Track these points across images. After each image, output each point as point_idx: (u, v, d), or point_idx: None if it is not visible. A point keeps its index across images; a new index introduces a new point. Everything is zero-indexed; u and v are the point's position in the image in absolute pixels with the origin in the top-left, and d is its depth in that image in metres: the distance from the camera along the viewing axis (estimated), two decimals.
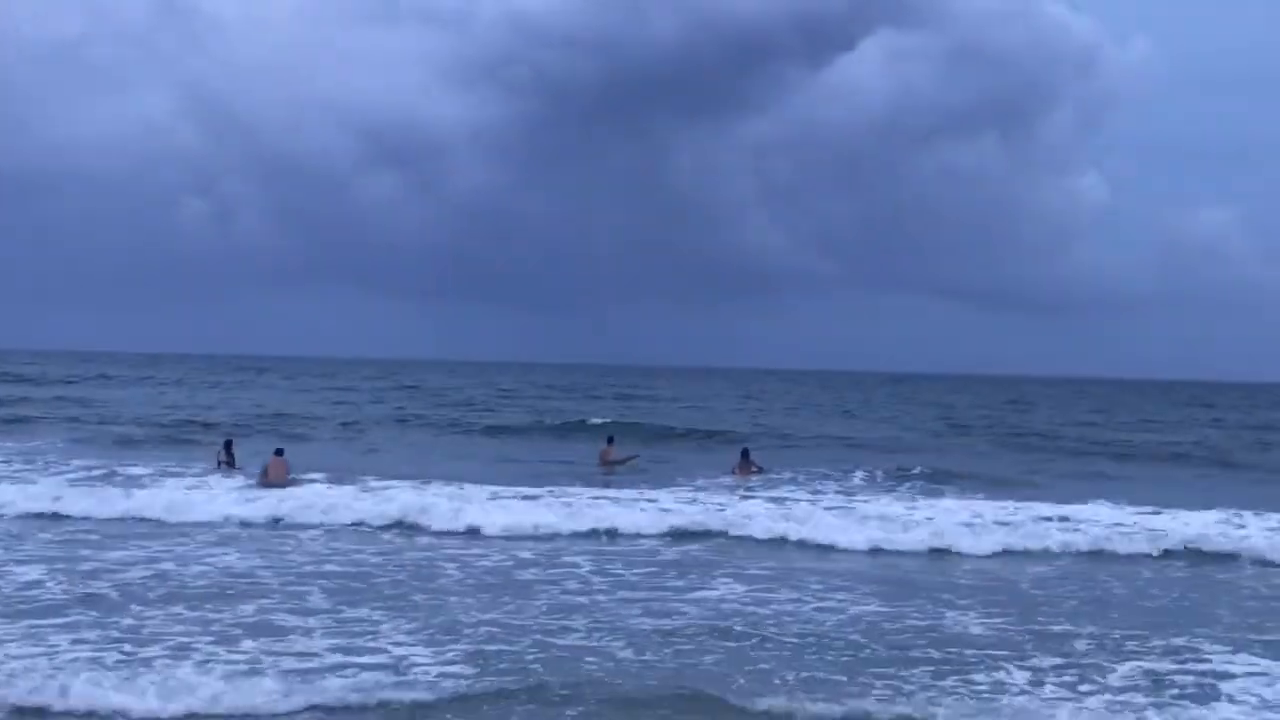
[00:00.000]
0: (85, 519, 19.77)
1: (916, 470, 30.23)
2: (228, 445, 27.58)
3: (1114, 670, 11.30)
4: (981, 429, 51.10)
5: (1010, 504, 23.12)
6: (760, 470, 28.36)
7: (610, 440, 31.30)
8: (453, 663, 11.09)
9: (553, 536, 19.00)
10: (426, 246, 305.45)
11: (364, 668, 10.82)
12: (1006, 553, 18.51)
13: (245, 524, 19.71)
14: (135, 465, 27.27)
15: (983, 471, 31.22)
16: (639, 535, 19.29)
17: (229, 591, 14.09)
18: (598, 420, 45.42)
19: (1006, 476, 30.68)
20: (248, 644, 11.47)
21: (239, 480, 25.03)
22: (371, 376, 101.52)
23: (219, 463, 26.86)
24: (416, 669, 10.88)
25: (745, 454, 29.01)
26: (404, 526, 19.74)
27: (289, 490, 23.14)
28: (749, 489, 25.71)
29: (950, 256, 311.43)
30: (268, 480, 24.14)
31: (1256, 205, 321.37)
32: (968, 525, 19.99)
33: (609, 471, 29.17)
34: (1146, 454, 40.21)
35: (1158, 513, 21.98)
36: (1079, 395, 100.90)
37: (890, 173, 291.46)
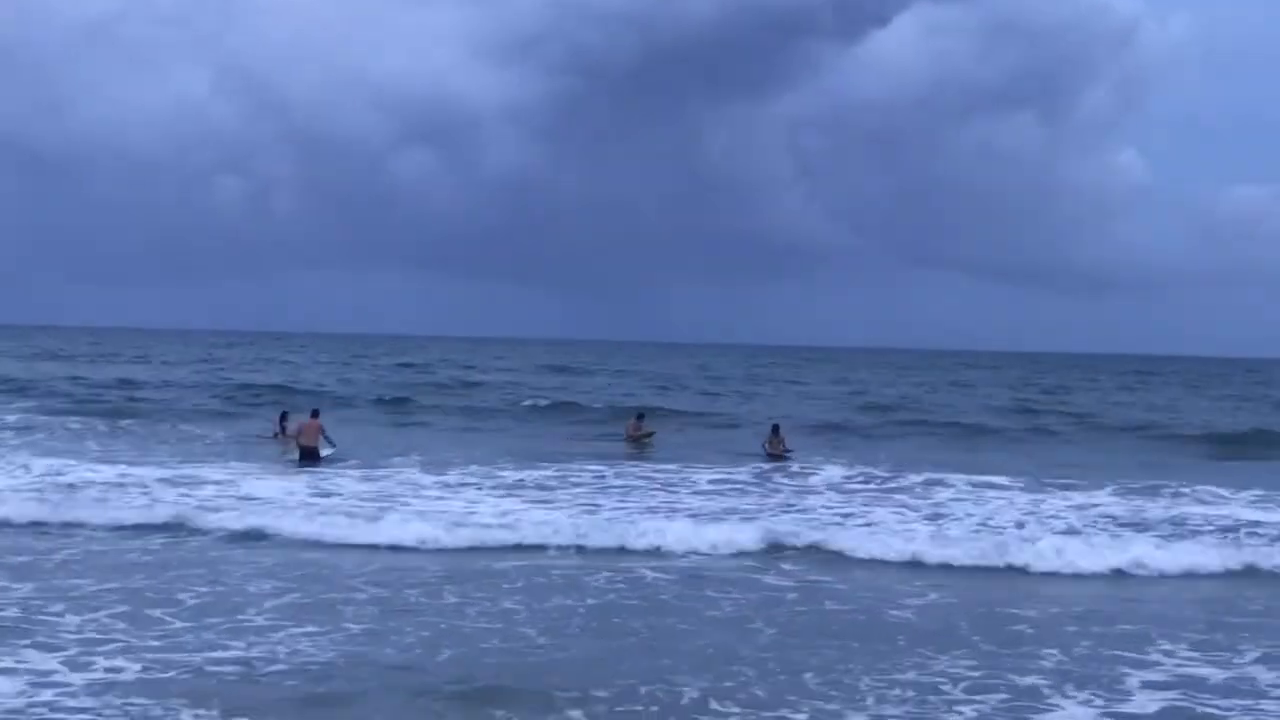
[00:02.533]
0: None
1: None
2: (283, 416, 28.46)
3: None
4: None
5: None
6: (789, 452, 27.91)
7: (640, 416, 31.32)
8: None
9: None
10: (460, 224, 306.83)
11: None
12: None
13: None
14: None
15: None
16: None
17: None
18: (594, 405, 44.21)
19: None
20: None
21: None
22: (393, 353, 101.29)
23: (274, 434, 27.77)
24: None
25: (776, 429, 28.80)
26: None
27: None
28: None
29: (987, 234, 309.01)
30: (301, 443, 24.69)
31: None
32: None
33: (635, 447, 29.20)
34: None
35: None
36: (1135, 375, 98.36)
37: (926, 149, 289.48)
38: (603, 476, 23.01)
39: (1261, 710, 9.69)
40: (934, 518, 19.31)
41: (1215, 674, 10.61)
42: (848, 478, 24.22)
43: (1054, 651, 11.17)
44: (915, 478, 23.86)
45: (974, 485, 23.03)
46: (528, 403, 43.85)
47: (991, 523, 18.94)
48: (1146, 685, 10.21)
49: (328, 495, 19.90)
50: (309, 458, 24.31)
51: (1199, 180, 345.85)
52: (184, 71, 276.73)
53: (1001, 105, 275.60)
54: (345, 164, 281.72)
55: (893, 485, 23.25)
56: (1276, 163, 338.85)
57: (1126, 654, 11.16)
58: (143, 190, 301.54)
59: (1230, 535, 18.14)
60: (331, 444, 25.16)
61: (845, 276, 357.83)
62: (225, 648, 10.56)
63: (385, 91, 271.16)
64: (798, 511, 19.61)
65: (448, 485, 21.45)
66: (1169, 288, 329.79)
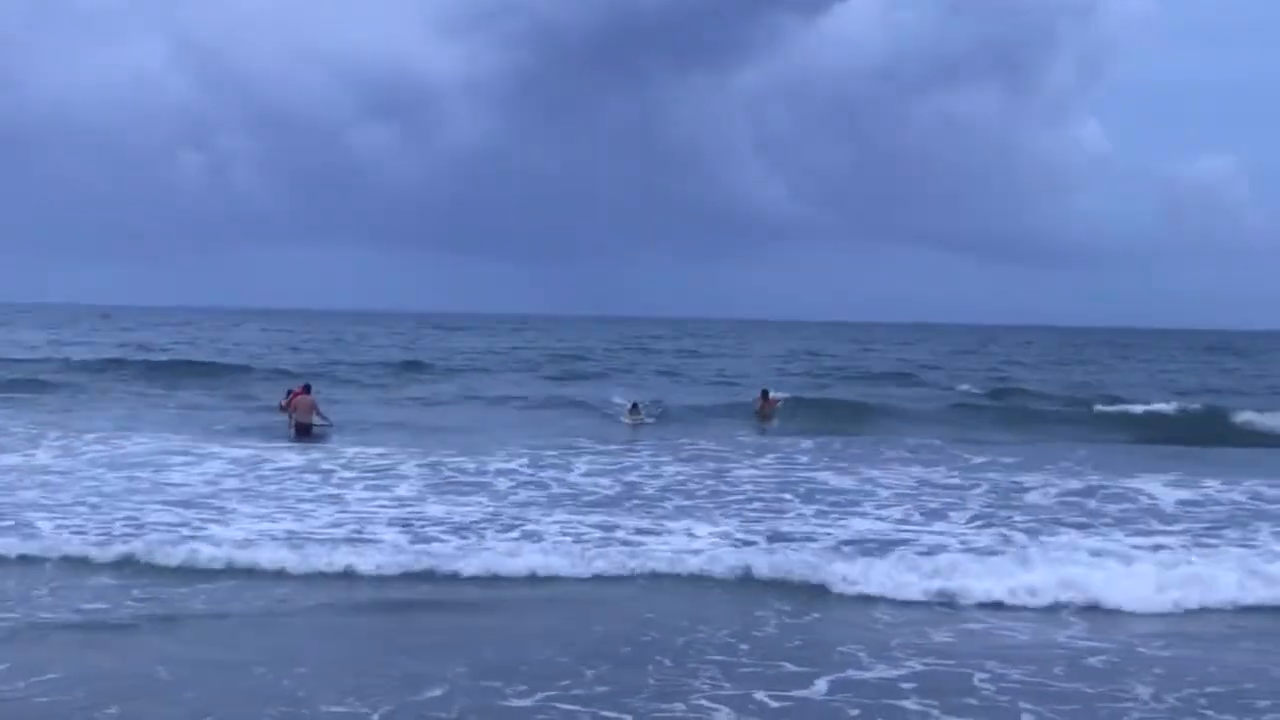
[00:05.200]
0: None
1: None
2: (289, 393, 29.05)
3: None
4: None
5: None
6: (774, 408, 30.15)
7: (634, 406, 30.78)
8: None
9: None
10: (421, 199, 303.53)
11: None
12: None
13: None
14: None
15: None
16: None
17: None
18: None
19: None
20: None
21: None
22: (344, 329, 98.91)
23: (281, 406, 27.48)
24: None
25: (765, 394, 30.90)
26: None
27: None
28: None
29: (949, 207, 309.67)
30: (295, 419, 24.59)
31: (1256, 152, 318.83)
32: None
33: (634, 429, 28.76)
34: None
35: None
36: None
37: (889, 122, 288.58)
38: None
39: None
40: None
41: None
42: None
43: None
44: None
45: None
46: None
47: None
48: None
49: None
50: (303, 432, 24.28)
51: (1161, 151, 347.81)
52: (139, 45, 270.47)
53: (964, 77, 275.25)
54: (304, 138, 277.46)
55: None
56: (1237, 133, 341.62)
57: None
58: (97, 165, 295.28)
59: None
60: (325, 419, 25.10)
61: (808, 249, 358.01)
62: None
63: (345, 65, 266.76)
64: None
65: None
66: (1131, 259, 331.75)
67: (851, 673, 9.35)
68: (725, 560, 12.65)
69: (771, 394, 31.46)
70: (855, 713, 8.49)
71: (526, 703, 8.44)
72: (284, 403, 27.35)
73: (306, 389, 26.10)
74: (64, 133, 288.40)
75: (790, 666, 9.48)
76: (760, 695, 8.72)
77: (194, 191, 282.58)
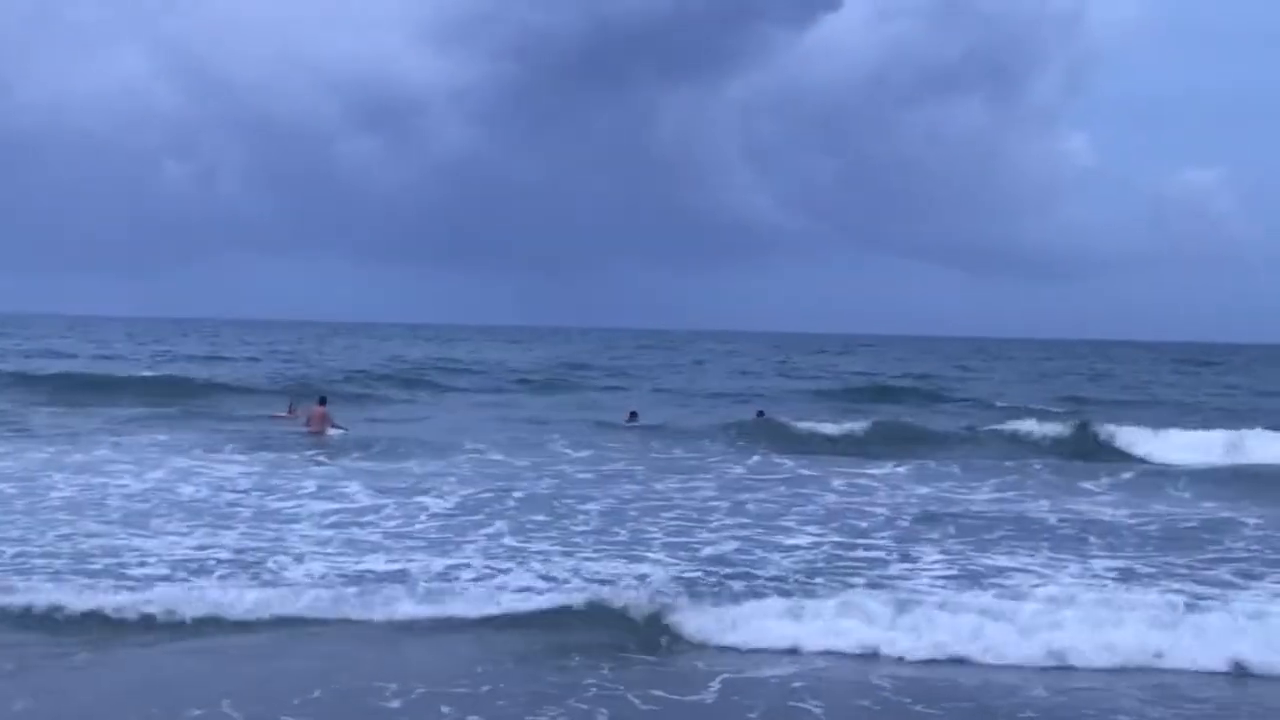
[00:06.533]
0: None
1: None
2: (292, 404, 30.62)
3: None
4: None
5: None
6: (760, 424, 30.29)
7: (634, 415, 31.89)
8: None
9: None
10: (407, 209, 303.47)
11: None
12: None
13: None
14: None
15: None
16: None
17: None
18: None
19: None
20: None
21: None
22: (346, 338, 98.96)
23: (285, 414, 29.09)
24: None
25: (760, 413, 31.90)
26: None
27: None
28: None
29: (937, 219, 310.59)
30: (311, 429, 25.61)
31: (1243, 164, 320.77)
32: None
33: (630, 430, 29.89)
34: None
35: None
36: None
37: (876, 134, 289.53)
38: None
39: None
40: None
41: None
42: None
43: None
44: None
45: None
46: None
47: None
48: None
49: None
50: (318, 438, 24.94)
51: (1148, 164, 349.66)
52: (127, 53, 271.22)
53: (952, 90, 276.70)
54: (290, 147, 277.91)
55: None
56: (1224, 145, 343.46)
57: None
58: (83, 175, 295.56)
59: None
60: (339, 427, 26.04)
61: (797, 261, 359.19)
62: None
63: (332, 75, 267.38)
64: None
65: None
66: (1118, 271, 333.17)
67: (747, 673, 9.26)
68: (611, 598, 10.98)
69: (761, 411, 32.20)
70: (753, 716, 8.40)
71: (396, 704, 8.34)
72: (279, 415, 28.06)
73: (323, 401, 27.25)
74: (50, 142, 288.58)
75: (684, 665, 9.45)
76: (648, 697, 8.61)
77: (180, 202, 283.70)
